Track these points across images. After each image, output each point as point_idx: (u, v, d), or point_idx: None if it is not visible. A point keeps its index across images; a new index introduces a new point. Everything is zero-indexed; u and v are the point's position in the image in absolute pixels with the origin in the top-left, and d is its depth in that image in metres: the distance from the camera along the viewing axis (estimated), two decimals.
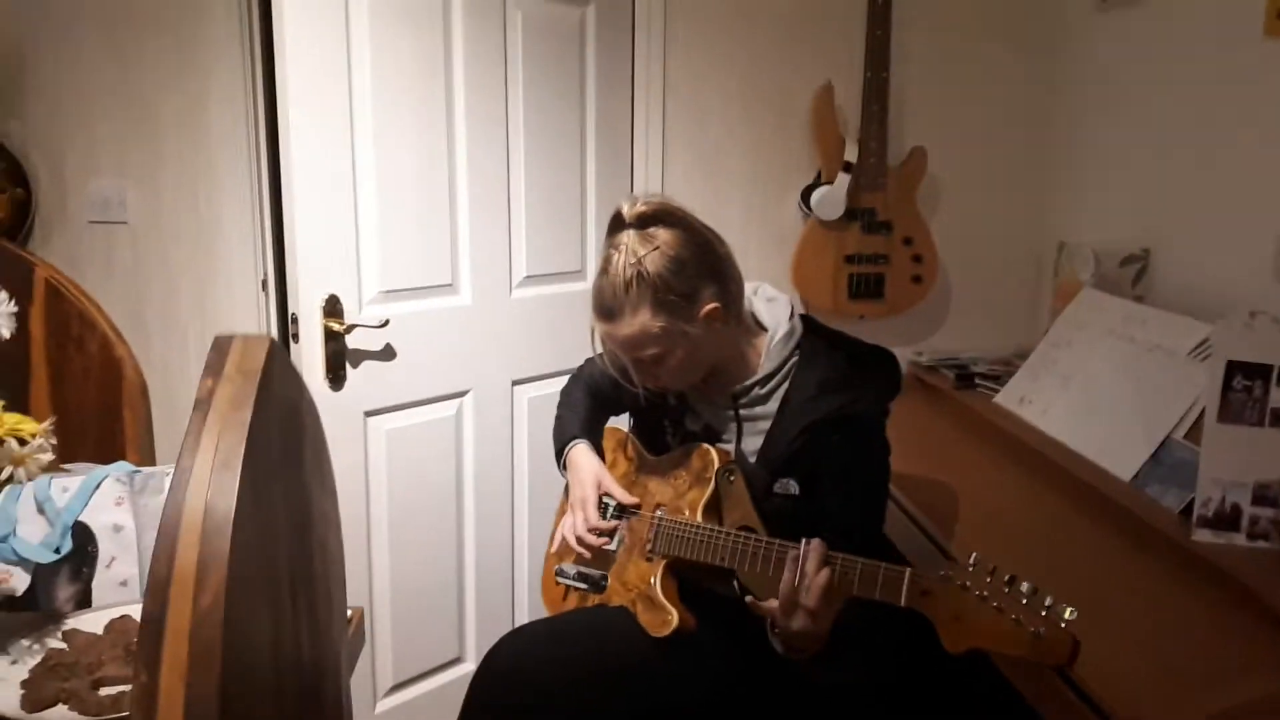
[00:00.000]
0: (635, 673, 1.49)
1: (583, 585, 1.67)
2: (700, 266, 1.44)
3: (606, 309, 1.43)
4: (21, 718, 1.04)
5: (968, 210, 2.53)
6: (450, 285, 2.10)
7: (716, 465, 1.50)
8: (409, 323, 2.01)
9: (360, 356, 1.96)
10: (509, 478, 2.30)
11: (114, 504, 1.40)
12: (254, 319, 2.38)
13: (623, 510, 1.62)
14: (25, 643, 1.18)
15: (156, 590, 0.56)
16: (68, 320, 1.47)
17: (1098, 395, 1.84)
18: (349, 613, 1.34)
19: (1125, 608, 1.38)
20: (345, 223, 1.89)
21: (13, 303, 1.09)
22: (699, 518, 1.49)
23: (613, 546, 1.63)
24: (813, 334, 1.56)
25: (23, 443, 1.12)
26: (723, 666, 1.50)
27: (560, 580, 1.71)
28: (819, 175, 2.39)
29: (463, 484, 2.22)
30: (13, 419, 1.08)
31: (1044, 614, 1.07)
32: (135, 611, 1.27)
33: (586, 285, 2.33)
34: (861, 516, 1.45)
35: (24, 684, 1.10)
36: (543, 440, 1.99)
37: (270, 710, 0.69)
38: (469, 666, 2.30)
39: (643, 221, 1.43)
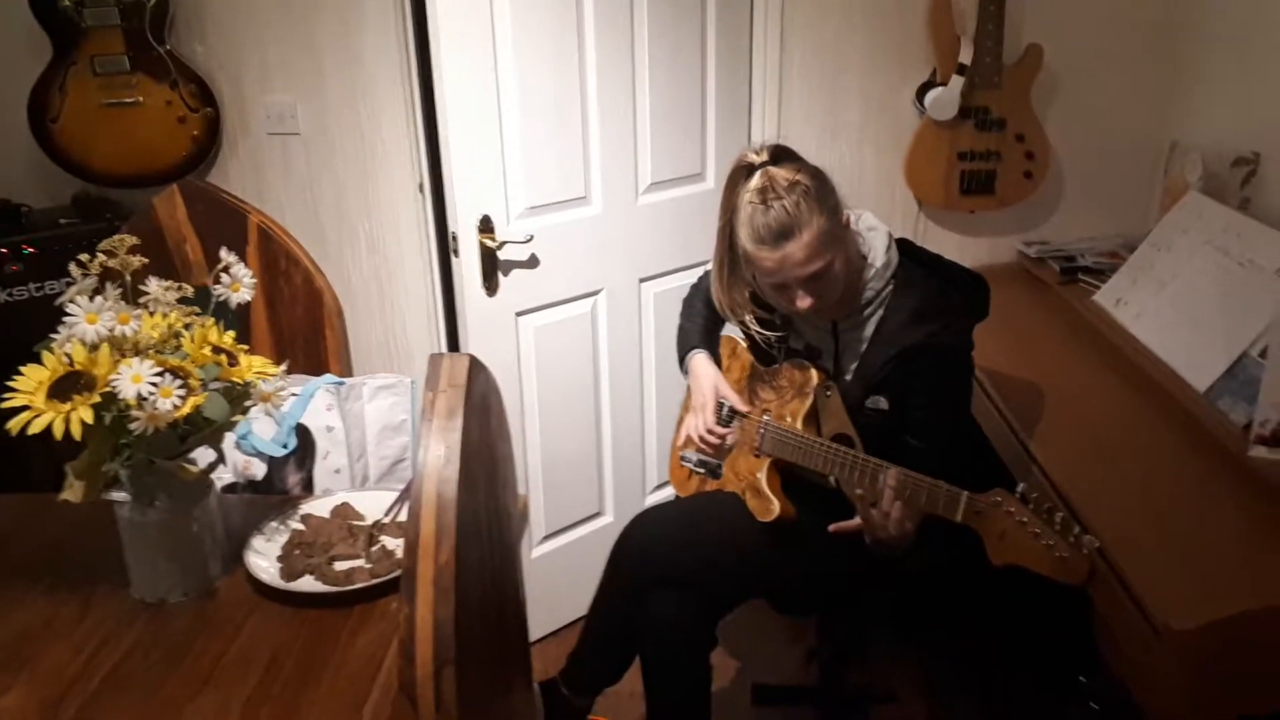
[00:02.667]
0: (745, 550, 1.78)
1: (702, 471, 1.96)
2: (830, 182, 1.62)
3: (783, 231, 1.55)
4: (281, 585, 1.38)
5: (1083, 106, 2.56)
6: (584, 197, 2.32)
7: (815, 382, 1.73)
8: (549, 233, 2.26)
9: (510, 265, 2.23)
10: (638, 362, 2.59)
11: (325, 409, 1.76)
12: (414, 218, 2.67)
13: (735, 413, 1.88)
14: (274, 524, 1.52)
15: (409, 550, 0.86)
16: (277, 258, 1.78)
17: (1187, 304, 1.95)
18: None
19: (1178, 509, 1.58)
20: (493, 149, 2.12)
21: (249, 273, 1.38)
22: (799, 425, 1.74)
23: (728, 443, 1.90)
24: (909, 259, 1.73)
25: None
26: (819, 547, 1.77)
27: (684, 464, 2.01)
28: (934, 73, 2.45)
29: (599, 369, 2.51)
30: (258, 362, 1.39)
31: (1070, 541, 1.29)
32: (351, 498, 1.61)
33: (706, 186, 2.54)
34: (946, 433, 1.66)
35: (279, 559, 1.45)
36: (667, 330, 2.24)
37: (480, 608, 1.00)
38: (607, 519, 2.67)
39: (774, 158, 1.61)
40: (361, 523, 1.56)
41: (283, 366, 1.40)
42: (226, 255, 1.40)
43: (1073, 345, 2.17)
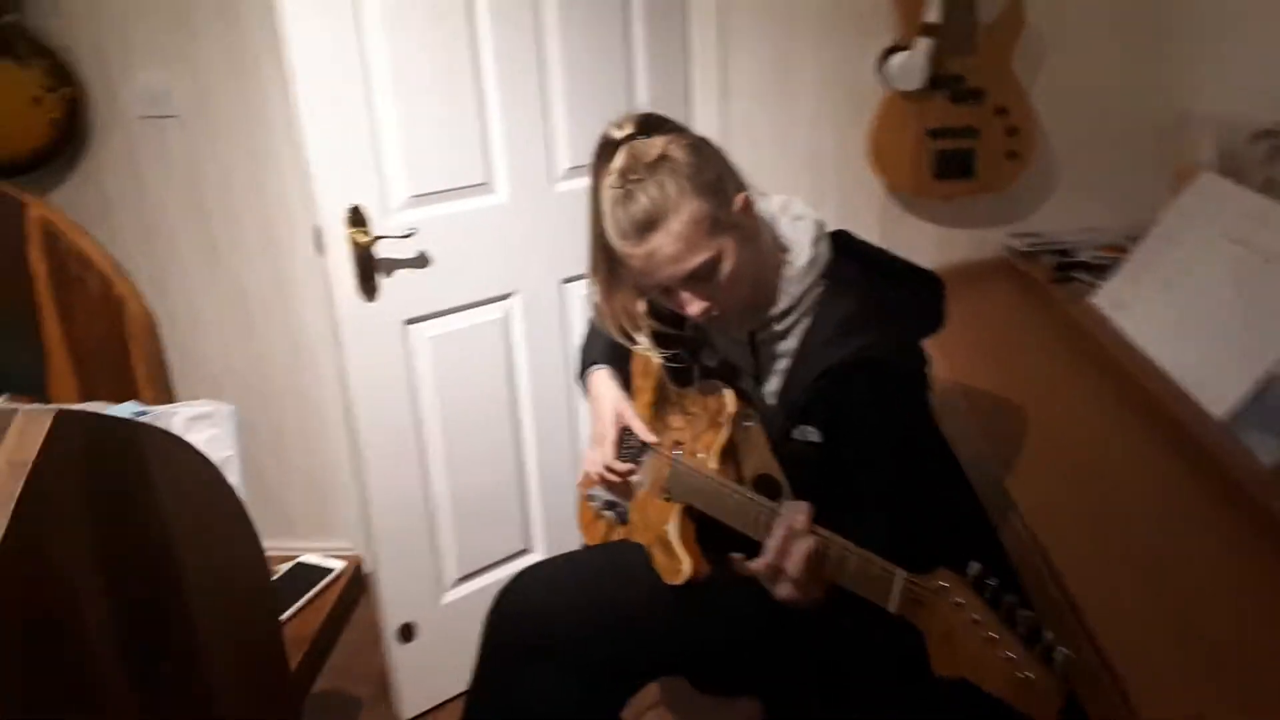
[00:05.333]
0: (647, 617, 1.43)
1: (610, 514, 1.62)
2: (715, 155, 1.28)
3: (645, 221, 1.22)
4: None
5: (1076, 74, 2.18)
6: (485, 184, 1.98)
7: (731, 409, 1.38)
8: (441, 226, 1.92)
9: (392, 265, 1.88)
10: (564, 375, 2.23)
11: None
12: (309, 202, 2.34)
13: (643, 447, 1.53)
14: None
15: None
16: (65, 261, 1.45)
17: (1201, 308, 1.59)
18: (341, 565, 1.33)
19: (1182, 577, 1.21)
20: (360, 128, 1.78)
21: None
22: (713, 464, 1.39)
23: (636, 478, 1.55)
24: (846, 257, 1.37)
25: None
26: (741, 612, 1.42)
27: (591, 504, 1.66)
28: (901, 37, 2.09)
29: (517, 386, 2.17)
30: None
31: (1038, 652, 0.93)
32: None
33: None
34: (889, 474, 1.31)
35: None
36: None
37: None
38: (537, 555, 2.32)
39: (641, 130, 1.27)
40: None
41: None
42: None
43: (1065, 357, 1.81)
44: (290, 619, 1.23)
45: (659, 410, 1.57)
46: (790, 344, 1.35)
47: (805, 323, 1.34)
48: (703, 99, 2.24)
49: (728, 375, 1.44)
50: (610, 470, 1.51)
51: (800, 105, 2.26)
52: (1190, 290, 1.64)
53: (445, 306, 1.99)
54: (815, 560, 1.16)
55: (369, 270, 1.84)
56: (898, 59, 2.04)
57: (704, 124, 2.26)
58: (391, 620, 2.10)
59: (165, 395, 1.54)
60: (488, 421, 2.14)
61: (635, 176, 1.22)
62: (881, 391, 1.27)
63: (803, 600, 1.20)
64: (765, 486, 1.36)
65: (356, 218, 1.80)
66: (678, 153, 1.23)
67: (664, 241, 1.22)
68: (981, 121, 2.10)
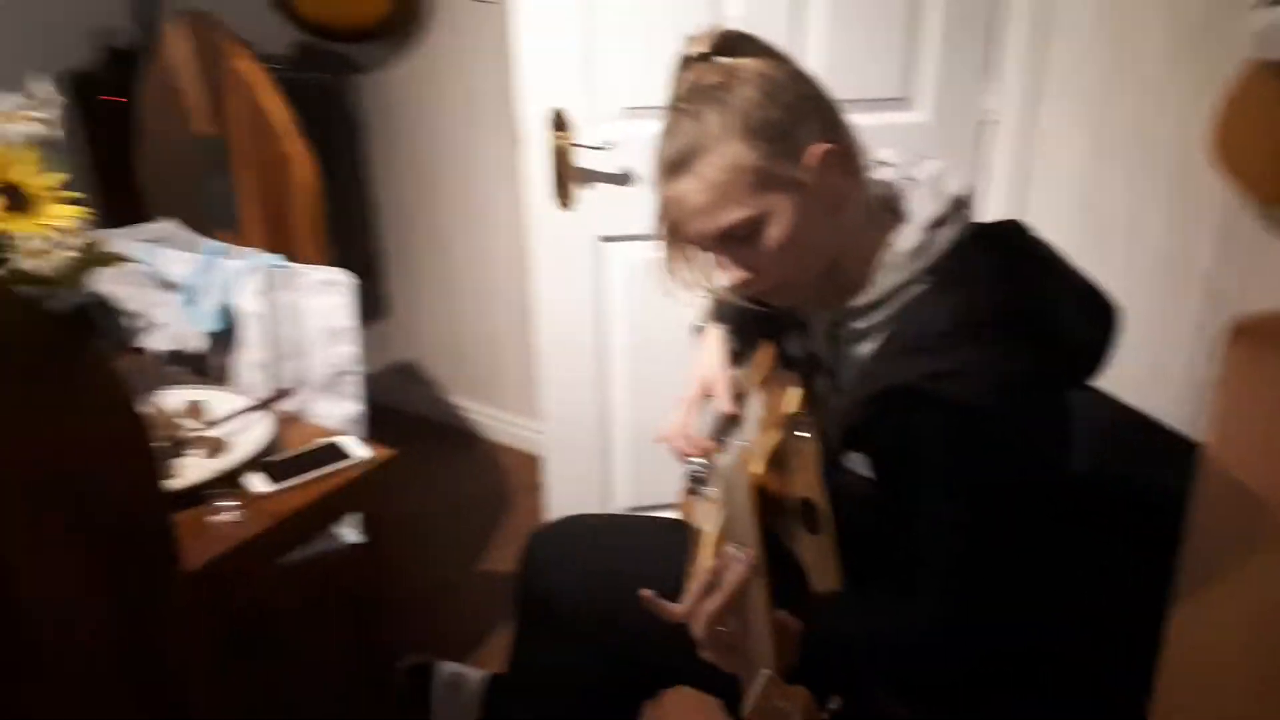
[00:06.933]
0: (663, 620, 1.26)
1: (691, 484, 1.43)
2: (800, 93, 1.00)
3: (676, 160, 0.99)
4: None
5: None
6: None
7: (787, 413, 1.13)
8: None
9: (593, 177, 1.80)
10: None
11: (257, 293, 1.52)
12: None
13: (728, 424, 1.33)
14: None
15: None
16: (254, 113, 1.55)
17: None
18: (366, 455, 1.30)
19: None
20: (575, 21, 1.69)
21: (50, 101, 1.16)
22: (758, 468, 1.15)
23: (713, 461, 1.36)
24: (986, 251, 1.03)
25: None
26: None
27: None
28: None
29: None
30: (56, 210, 1.15)
31: None
32: (213, 398, 1.38)
33: (913, 117, 1.88)
34: (937, 549, 0.99)
35: None
36: None
37: None
38: None
39: (717, 50, 1.03)
40: (191, 425, 1.33)
41: (75, 219, 1.17)
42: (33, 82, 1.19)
43: None
44: (278, 492, 1.25)
45: (767, 389, 1.34)
46: (869, 347, 1.07)
47: (894, 324, 1.04)
48: (1015, 41, 1.84)
49: (807, 369, 1.18)
50: (671, 436, 1.33)
51: (1143, 63, 1.76)
52: None
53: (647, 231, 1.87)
54: (724, 624, 0.92)
55: (564, 177, 1.78)
56: (1263, 15, 1.48)
57: (1012, 69, 1.86)
58: None
59: (319, 256, 1.62)
60: (681, 360, 2.01)
61: (683, 104, 1.01)
62: (949, 437, 0.96)
63: (723, 667, 0.97)
64: (807, 515, 1.10)
65: (559, 122, 1.74)
66: (741, 82, 0.99)
67: (692, 187, 0.99)
68: None
